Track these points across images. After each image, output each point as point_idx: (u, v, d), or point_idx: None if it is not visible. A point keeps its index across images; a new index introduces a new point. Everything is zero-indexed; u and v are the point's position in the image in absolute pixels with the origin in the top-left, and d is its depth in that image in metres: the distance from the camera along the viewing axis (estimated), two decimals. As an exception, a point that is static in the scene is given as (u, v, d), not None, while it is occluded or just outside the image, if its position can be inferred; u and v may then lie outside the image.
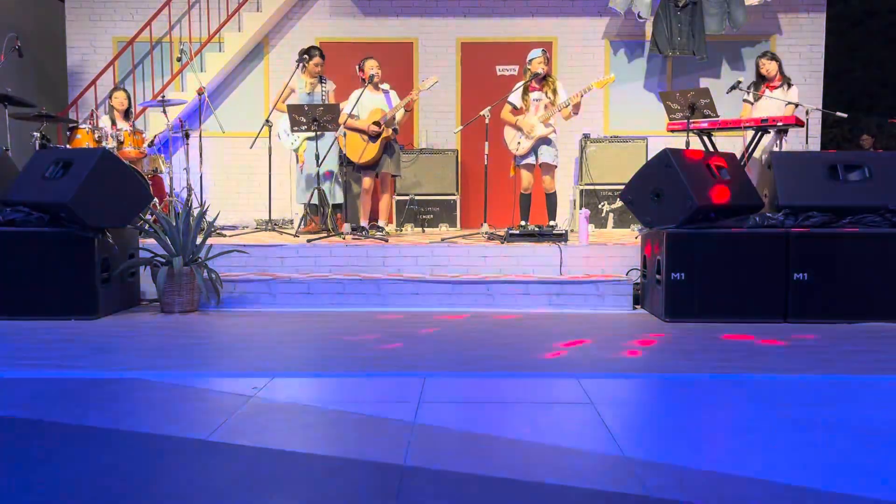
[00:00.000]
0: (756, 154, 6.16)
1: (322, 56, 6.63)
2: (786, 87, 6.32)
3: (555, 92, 5.99)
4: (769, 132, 5.99)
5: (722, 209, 4.55)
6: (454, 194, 7.84)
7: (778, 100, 6.22)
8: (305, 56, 6.58)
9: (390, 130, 6.22)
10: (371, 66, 6.30)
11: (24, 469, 1.99)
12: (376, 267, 5.26)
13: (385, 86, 6.43)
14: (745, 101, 6.48)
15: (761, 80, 6.38)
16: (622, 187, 4.93)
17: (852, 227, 4.40)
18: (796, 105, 6.24)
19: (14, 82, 7.04)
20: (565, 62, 8.45)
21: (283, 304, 4.89)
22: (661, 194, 4.52)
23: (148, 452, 2.13)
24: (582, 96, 5.88)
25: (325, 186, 6.52)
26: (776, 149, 6.07)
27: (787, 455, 2.13)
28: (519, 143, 6.03)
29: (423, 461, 2.05)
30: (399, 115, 6.24)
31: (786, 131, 5.93)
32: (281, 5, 8.25)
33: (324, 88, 6.63)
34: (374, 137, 6.18)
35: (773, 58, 6.36)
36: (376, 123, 6.16)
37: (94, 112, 7.47)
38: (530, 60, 6.01)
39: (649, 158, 5.06)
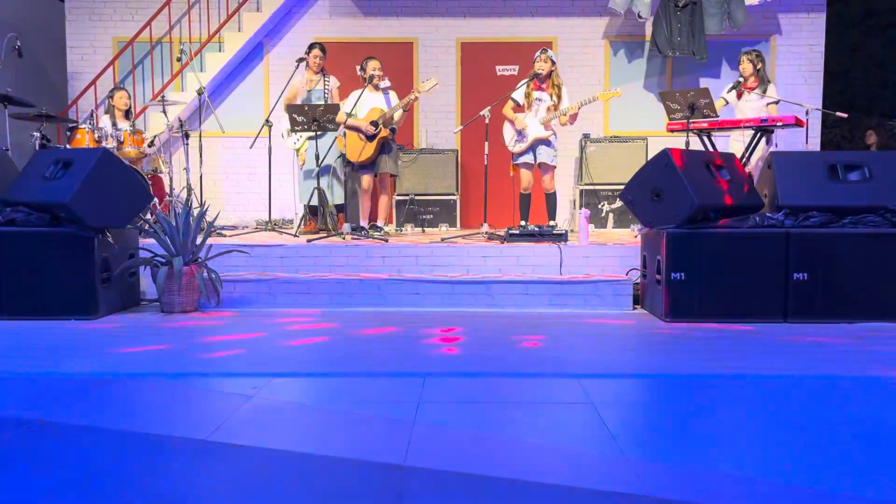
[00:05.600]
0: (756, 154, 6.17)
1: (322, 50, 6.64)
2: (763, 87, 6.34)
3: (559, 97, 5.99)
4: (769, 132, 6.00)
5: (722, 209, 4.55)
6: (454, 194, 7.84)
7: (762, 97, 6.25)
8: (305, 55, 6.61)
9: (387, 130, 6.22)
10: (372, 67, 6.31)
11: (24, 469, 1.99)
12: (376, 267, 5.26)
13: (385, 83, 6.44)
14: (722, 96, 6.50)
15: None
16: (622, 187, 4.93)
17: (852, 227, 4.40)
18: (777, 101, 6.26)
19: (14, 82, 7.03)
20: (565, 62, 8.45)
21: (283, 304, 4.89)
22: (661, 194, 4.52)
23: (148, 452, 2.13)
24: (580, 107, 5.88)
25: (325, 186, 6.52)
26: (772, 149, 6.08)
27: (787, 455, 2.13)
28: (516, 141, 6.04)
29: (423, 461, 2.05)
30: (397, 115, 6.25)
31: (771, 131, 5.93)
32: (281, 5, 8.25)
33: (327, 86, 6.63)
34: (370, 137, 6.20)
35: (752, 60, 6.35)
36: (373, 123, 6.17)
37: (94, 112, 7.46)
38: (535, 60, 6.05)
39: (649, 158, 5.06)
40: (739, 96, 6.42)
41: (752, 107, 6.32)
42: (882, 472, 1.99)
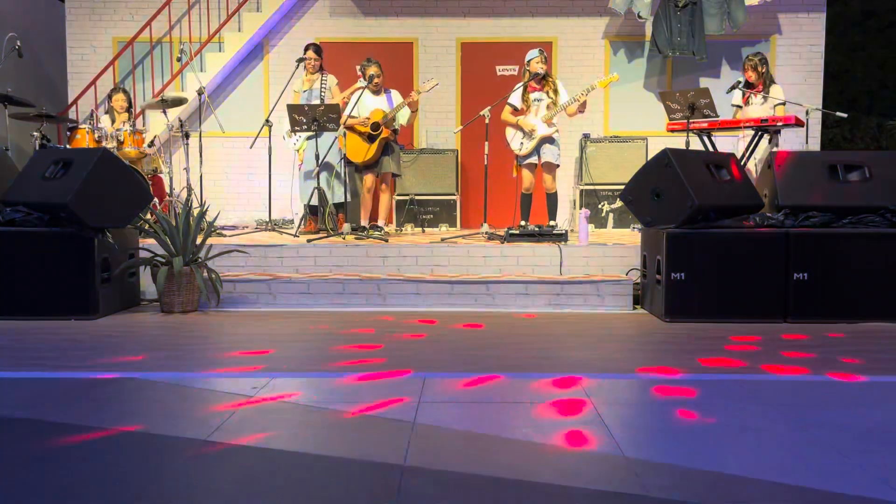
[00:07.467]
0: (757, 155, 6.16)
1: (316, 51, 6.67)
2: (768, 88, 6.29)
3: (556, 92, 5.99)
4: (768, 132, 5.99)
5: (722, 209, 4.55)
6: (454, 194, 7.84)
7: (766, 100, 6.22)
8: (304, 55, 6.62)
9: (388, 131, 6.24)
10: (370, 70, 6.33)
11: (24, 469, 1.99)
12: (376, 267, 5.26)
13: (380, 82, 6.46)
14: (734, 105, 6.48)
15: (748, 85, 6.39)
16: (622, 187, 4.93)
17: (852, 227, 4.40)
18: (784, 103, 6.23)
19: (14, 82, 7.03)
20: (565, 62, 8.45)
21: (283, 304, 4.89)
22: (661, 194, 4.52)
23: (148, 452, 2.13)
24: (587, 94, 5.88)
25: (325, 186, 6.52)
26: (774, 149, 6.07)
27: (787, 455, 2.13)
28: (522, 143, 6.03)
29: (423, 461, 2.05)
30: (404, 115, 6.27)
31: (778, 132, 5.91)
32: (281, 5, 8.25)
33: (324, 84, 6.64)
34: (371, 138, 6.22)
35: (755, 66, 6.28)
36: (374, 125, 6.18)
37: (94, 112, 7.46)
38: (528, 61, 6.02)
39: (649, 158, 5.06)
40: (746, 101, 6.38)
41: (757, 110, 6.29)
42: (882, 472, 1.99)
